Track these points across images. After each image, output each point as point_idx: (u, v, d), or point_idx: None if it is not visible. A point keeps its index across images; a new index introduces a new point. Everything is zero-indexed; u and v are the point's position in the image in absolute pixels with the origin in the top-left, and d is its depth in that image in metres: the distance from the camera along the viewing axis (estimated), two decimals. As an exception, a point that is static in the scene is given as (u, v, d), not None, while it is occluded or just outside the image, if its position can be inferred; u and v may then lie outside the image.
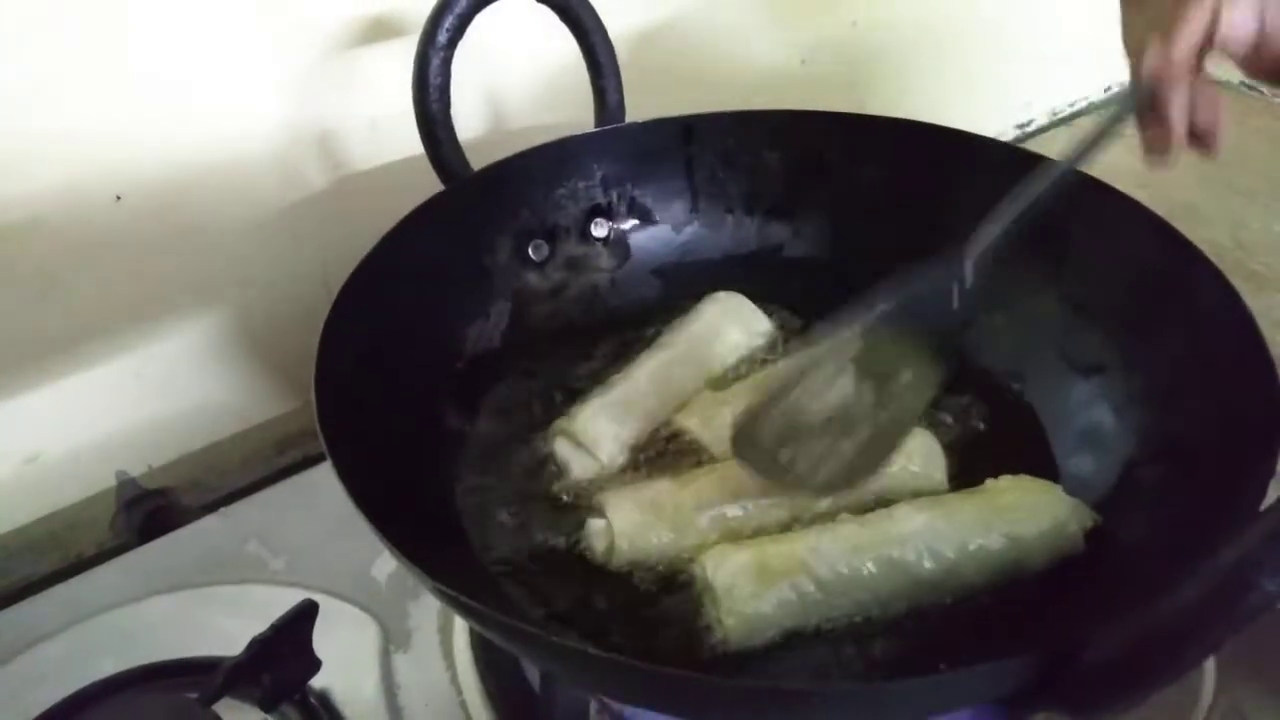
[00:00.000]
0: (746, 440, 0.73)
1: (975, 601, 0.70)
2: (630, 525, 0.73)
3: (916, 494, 0.75)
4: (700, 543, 0.73)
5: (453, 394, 0.85)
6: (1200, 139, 0.66)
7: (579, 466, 0.80)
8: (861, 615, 0.69)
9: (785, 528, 0.74)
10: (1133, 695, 0.50)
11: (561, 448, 0.81)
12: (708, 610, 0.69)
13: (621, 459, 0.81)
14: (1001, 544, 0.70)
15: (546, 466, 0.81)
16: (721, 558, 0.69)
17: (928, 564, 0.69)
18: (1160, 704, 0.71)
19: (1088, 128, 0.67)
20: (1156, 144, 0.66)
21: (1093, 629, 0.50)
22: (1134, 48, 0.67)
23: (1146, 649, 0.48)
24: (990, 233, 0.70)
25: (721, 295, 0.92)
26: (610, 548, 0.73)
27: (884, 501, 0.75)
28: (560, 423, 0.82)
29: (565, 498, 0.79)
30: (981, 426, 0.83)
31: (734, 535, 0.74)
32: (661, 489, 0.76)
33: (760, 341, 0.91)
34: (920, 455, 0.78)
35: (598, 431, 0.81)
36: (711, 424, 0.81)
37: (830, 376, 0.73)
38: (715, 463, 0.79)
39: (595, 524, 0.75)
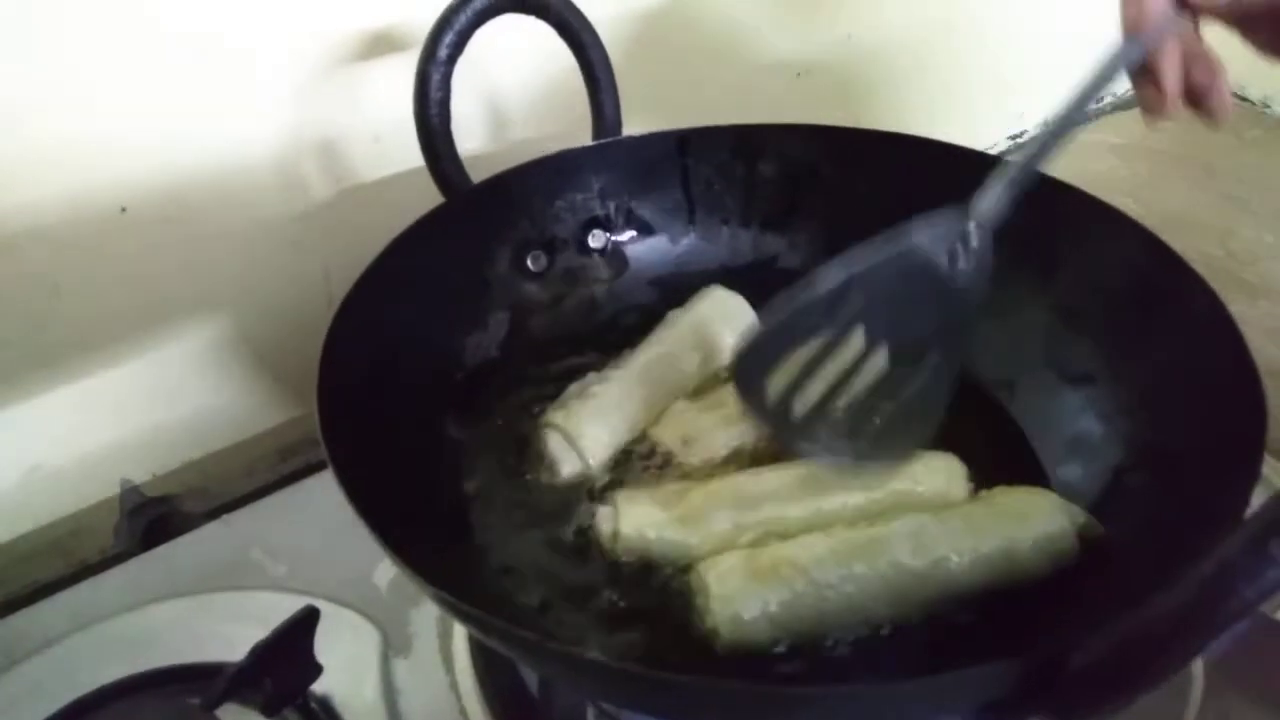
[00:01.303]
0: (750, 377, 0.69)
1: (965, 607, 0.70)
2: (639, 515, 0.74)
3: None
4: (706, 541, 0.73)
5: (452, 403, 0.86)
6: (1197, 101, 0.66)
7: (569, 466, 0.81)
8: (853, 618, 0.69)
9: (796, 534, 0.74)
10: (1117, 700, 0.51)
11: (554, 442, 0.82)
12: (701, 610, 0.70)
13: (609, 457, 0.83)
14: (996, 549, 0.71)
15: (541, 468, 0.82)
16: (715, 558, 0.70)
17: (920, 568, 0.70)
18: (1148, 710, 0.72)
19: (1083, 82, 0.66)
20: (1151, 102, 0.66)
21: (1079, 634, 0.51)
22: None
23: (1130, 654, 0.49)
24: (997, 191, 0.66)
25: (716, 292, 0.94)
26: (615, 534, 0.74)
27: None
28: (553, 415, 0.83)
29: (555, 491, 0.81)
30: (971, 436, 0.84)
31: (743, 538, 0.73)
32: (676, 488, 0.77)
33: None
34: (945, 474, 0.77)
35: (588, 433, 0.82)
36: (683, 436, 0.83)
37: (841, 328, 0.68)
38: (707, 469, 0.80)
39: (604, 510, 0.76)
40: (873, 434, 0.70)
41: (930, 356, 0.69)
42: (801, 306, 0.68)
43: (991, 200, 0.66)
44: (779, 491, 0.76)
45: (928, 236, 0.67)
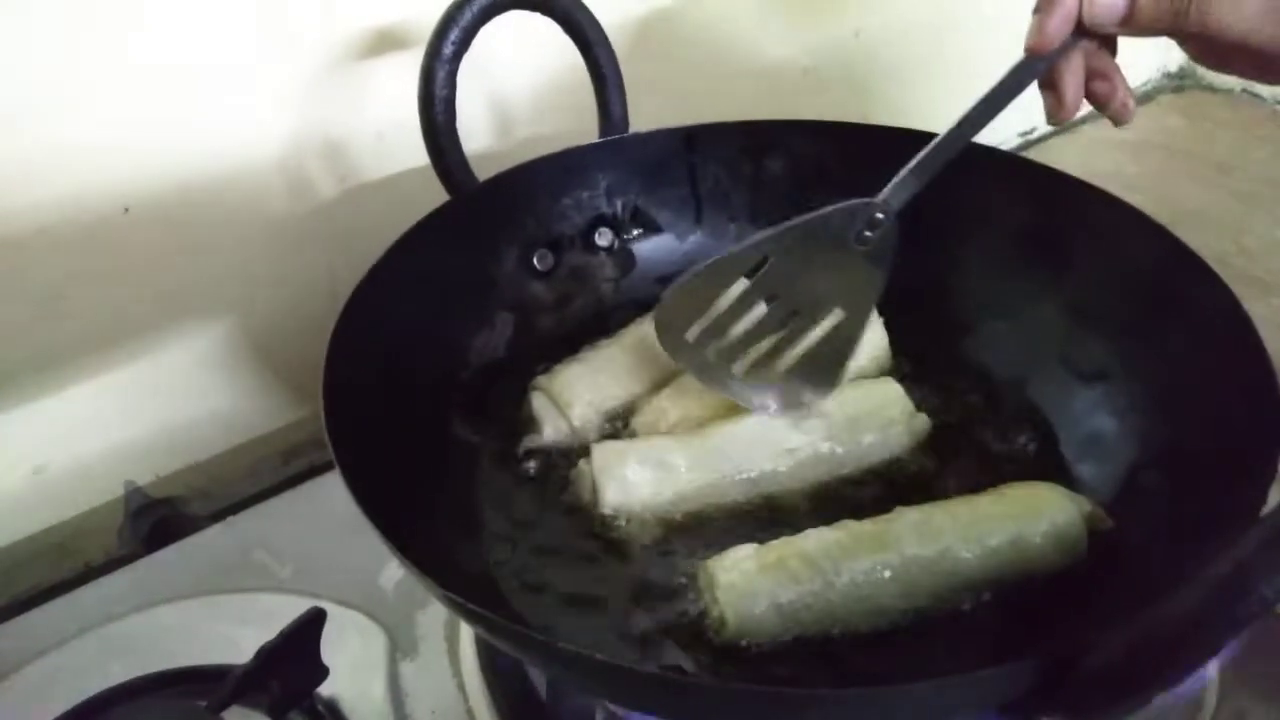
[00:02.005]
0: (670, 332, 0.81)
1: (977, 606, 0.70)
2: (616, 464, 0.78)
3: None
4: (684, 491, 0.77)
5: (459, 403, 0.85)
6: (1099, 108, 0.72)
7: (552, 427, 0.83)
8: (862, 608, 0.69)
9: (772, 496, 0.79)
10: (1133, 700, 0.50)
11: (539, 403, 0.84)
12: (710, 606, 0.70)
13: (595, 422, 0.84)
14: (1004, 541, 0.70)
15: (530, 433, 0.84)
16: (725, 553, 0.70)
17: (929, 559, 0.70)
18: (1163, 710, 0.71)
19: (988, 92, 0.71)
20: (1051, 110, 0.71)
21: (1094, 634, 0.51)
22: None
23: (1145, 654, 0.48)
24: (900, 179, 0.75)
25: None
26: (593, 488, 0.76)
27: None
28: (541, 379, 0.85)
29: (534, 466, 0.83)
30: (985, 433, 0.84)
31: (720, 489, 0.78)
32: (655, 443, 0.80)
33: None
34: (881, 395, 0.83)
35: (571, 393, 0.84)
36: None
37: (755, 285, 0.80)
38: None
39: (583, 466, 0.78)
40: (777, 376, 0.81)
41: (835, 313, 0.80)
42: (717, 264, 0.80)
43: (895, 187, 0.76)
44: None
45: (837, 213, 0.78)
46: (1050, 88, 0.70)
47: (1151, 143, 1.49)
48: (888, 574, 0.69)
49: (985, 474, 0.78)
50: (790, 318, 0.80)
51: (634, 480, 0.77)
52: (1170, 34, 0.64)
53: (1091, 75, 0.70)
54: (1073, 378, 0.84)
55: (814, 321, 0.80)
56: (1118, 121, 0.72)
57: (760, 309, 0.80)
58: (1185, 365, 0.75)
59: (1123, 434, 0.78)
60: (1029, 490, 0.74)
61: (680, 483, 0.78)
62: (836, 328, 0.80)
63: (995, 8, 1.40)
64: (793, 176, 0.97)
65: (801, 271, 0.79)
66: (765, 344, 0.81)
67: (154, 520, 0.94)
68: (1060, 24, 0.66)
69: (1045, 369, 0.85)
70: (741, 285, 0.80)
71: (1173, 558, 0.63)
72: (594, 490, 0.77)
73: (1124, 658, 0.49)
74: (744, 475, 0.79)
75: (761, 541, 0.72)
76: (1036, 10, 0.67)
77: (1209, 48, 0.65)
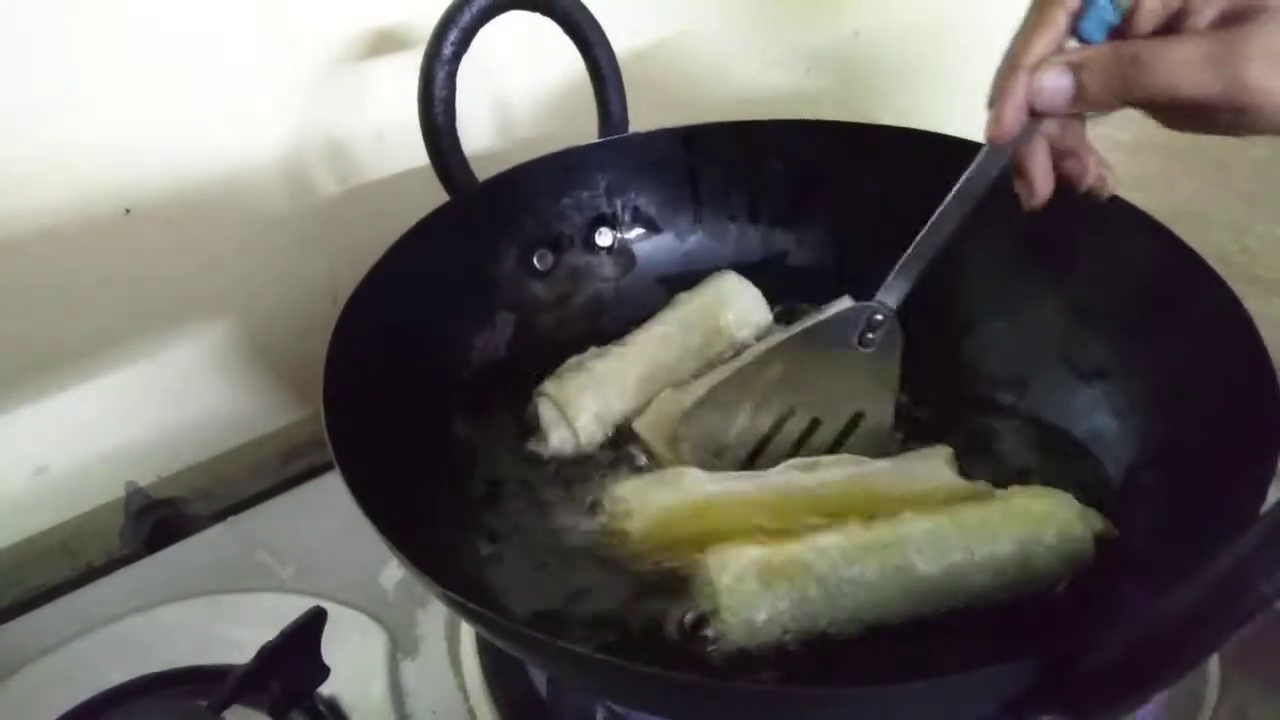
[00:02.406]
0: (700, 450, 0.80)
1: (978, 607, 0.70)
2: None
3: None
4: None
5: (459, 403, 0.85)
6: (1076, 185, 0.71)
7: (557, 438, 0.83)
8: (865, 618, 0.69)
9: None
10: (1133, 698, 0.50)
11: (546, 412, 0.84)
12: (711, 608, 0.69)
13: (599, 434, 0.84)
14: (1010, 551, 0.70)
15: (536, 439, 0.84)
16: (726, 557, 0.70)
17: (934, 570, 0.69)
18: (1164, 707, 0.71)
19: (958, 186, 0.73)
20: (1024, 195, 0.71)
21: (1094, 632, 0.51)
22: None
23: (1145, 652, 0.48)
24: (893, 279, 0.77)
25: (725, 276, 0.94)
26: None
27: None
28: (548, 386, 0.85)
29: (558, 477, 0.82)
30: (985, 432, 0.83)
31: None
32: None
33: (750, 332, 0.93)
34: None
35: (577, 402, 0.83)
36: (669, 436, 0.83)
37: (771, 400, 0.80)
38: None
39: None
40: None
41: (856, 412, 0.81)
42: (730, 380, 0.81)
43: (887, 288, 0.77)
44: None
45: (837, 320, 0.80)
46: (1019, 175, 0.70)
47: (1152, 142, 1.48)
48: (890, 580, 0.69)
49: (986, 474, 0.78)
50: (815, 425, 0.81)
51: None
52: (1125, 104, 0.63)
53: (1060, 155, 0.70)
54: (1073, 377, 0.83)
55: (839, 424, 0.81)
56: (1098, 196, 0.71)
57: (787, 421, 0.81)
58: (1185, 364, 0.74)
59: (1123, 433, 0.78)
60: (1037, 502, 0.73)
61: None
62: (863, 424, 0.81)
63: (994, 6, 1.40)
64: (793, 176, 0.97)
65: (814, 379, 0.80)
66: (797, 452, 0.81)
67: (155, 521, 0.94)
68: (1014, 113, 0.65)
69: (1045, 368, 0.85)
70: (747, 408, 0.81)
71: (1173, 556, 0.63)
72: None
73: (1124, 657, 0.49)
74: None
75: (762, 543, 0.72)
76: (990, 103, 0.67)
77: (1172, 112, 0.63)
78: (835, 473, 0.76)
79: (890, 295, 0.77)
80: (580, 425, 0.83)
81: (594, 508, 0.78)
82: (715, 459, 0.80)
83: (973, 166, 0.71)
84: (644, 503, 0.74)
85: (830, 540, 0.70)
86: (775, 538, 0.71)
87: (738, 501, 0.74)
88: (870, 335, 0.79)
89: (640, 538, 0.73)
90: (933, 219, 0.74)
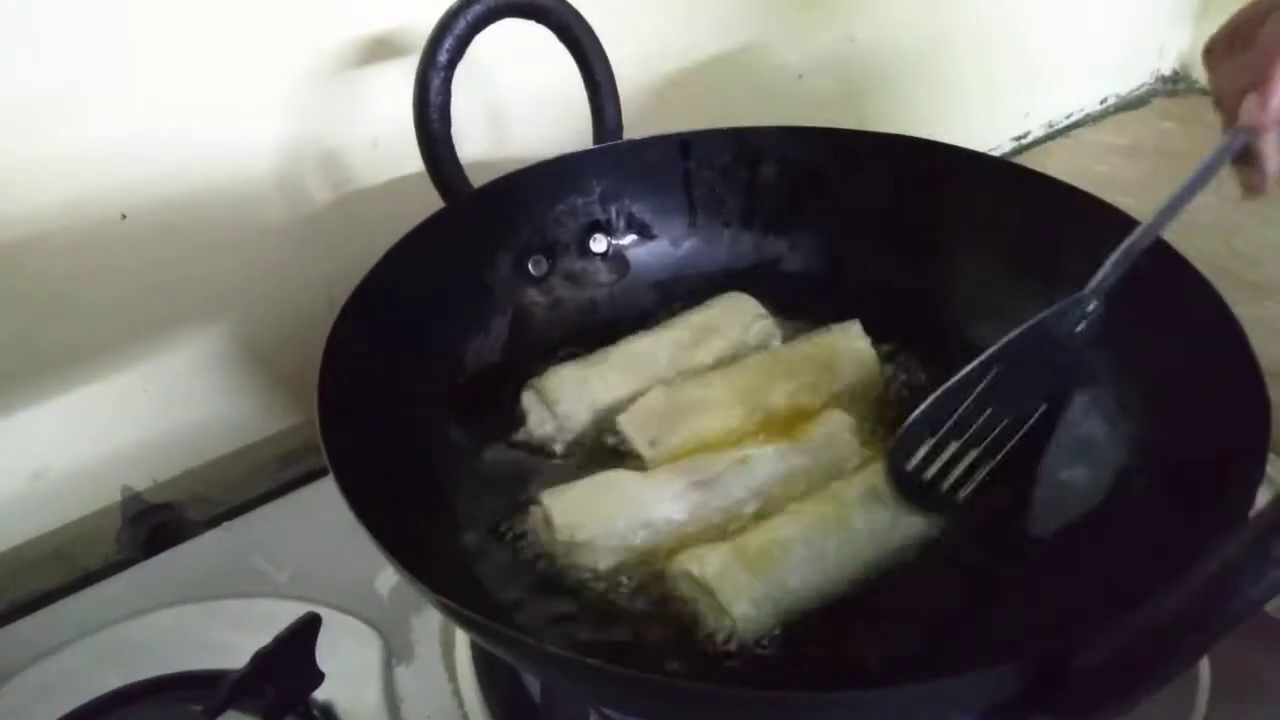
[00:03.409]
0: (899, 462, 0.76)
1: (963, 607, 0.71)
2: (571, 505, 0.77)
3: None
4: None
5: (454, 409, 0.86)
6: None
7: (536, 418, 0.84)
8: (842, 574, 0.71)
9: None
10: (1122, 701, 0.50)
11: (528, 399, 0.86)
12: (706, 612, 0.70)
13: (582, 419, 0.85)
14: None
15: (522, 430, 0.85)
16: (702, 555, 0.71)
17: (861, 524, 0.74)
18: (1156, 711, 0.72)
19: (1188, 176, 0.73)
20: (1252, 182, 0.73)
21: (1083, 636, 0.51)
22: (1226, 101, 0.74)
23: (1134, 655, 0.49)
24: (1106, 270, 0.76)
25: (732, 296, 0.94)
26: (551, 526, 0.75)
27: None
28: (534, 379, 0.86)
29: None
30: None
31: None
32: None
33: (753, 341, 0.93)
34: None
35: (561, 393, 0.85)
36: (651, 438, 0.83)
37: (974, 403, 0.77)
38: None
39: (535, 510, 0.77)
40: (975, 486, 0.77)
41: (1038, 409, 0.79)
42: (949, 390, 0.77)
43: (1102, 277, 0.76)
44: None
45: (1052, 316, 0.77)
46: (1246, 162, 0.71)
47: (1145, 146, 1.49)
48: (842, 546, 0.73)
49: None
50: (995, 425, 0.78)
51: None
52: None
53: None
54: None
55: (1020, 423, 0.78)
56: None
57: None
58: (1175, 369, 0.75)
59: (1113, 438, 0.78)
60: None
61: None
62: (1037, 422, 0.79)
63: (988, 12, 1.41)
64: (787, 182, 0.98)
65: (1022, 379, 0.78)
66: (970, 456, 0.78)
67: (151, 525, 0.95)
68: None
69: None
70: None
71: (1162, 560, 0.64)
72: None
73: (1113, 659, 0.50)
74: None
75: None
76: (1252, 88, 0.68)
77: None
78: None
79: (1102, 283, 0.76)
80: (561, 409, 0.84)
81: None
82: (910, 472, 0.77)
83: (1218, 150, 0.72)
84: (586, 515, 0.75)
85: (787, 522, 0.74)
86: (728, 537, 0.74)
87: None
88: (1080, 328, 0.77)
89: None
90: (1159, 211, 0.74)
